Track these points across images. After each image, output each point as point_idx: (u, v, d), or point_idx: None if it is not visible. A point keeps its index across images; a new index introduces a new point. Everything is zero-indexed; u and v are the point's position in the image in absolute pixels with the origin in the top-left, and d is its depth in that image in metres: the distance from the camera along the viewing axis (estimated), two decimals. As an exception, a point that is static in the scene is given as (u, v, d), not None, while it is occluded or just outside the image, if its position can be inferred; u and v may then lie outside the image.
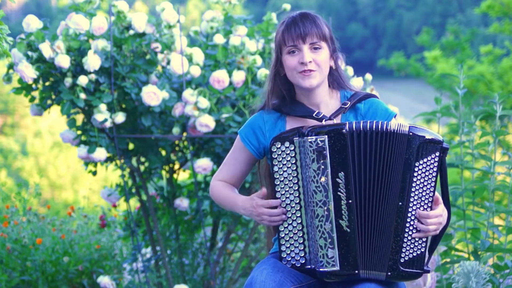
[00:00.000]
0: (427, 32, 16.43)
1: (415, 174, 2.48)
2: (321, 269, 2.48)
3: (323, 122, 2.59)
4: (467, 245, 3.72)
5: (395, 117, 2.65)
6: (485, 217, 3.75)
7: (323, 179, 2.47)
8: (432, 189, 2.49)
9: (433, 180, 2.49)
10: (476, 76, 4.05)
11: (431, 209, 2.50)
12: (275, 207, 2.52)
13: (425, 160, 2.48)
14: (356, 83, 4.37)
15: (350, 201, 2.47)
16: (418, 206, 2.49)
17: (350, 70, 4.40)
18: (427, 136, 2.49)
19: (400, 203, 2.48)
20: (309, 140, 2.47)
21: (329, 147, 2.46)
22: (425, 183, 2.49)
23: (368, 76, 4.56)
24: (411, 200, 2.48)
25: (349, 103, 2.65)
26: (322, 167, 2.46)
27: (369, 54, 38.59)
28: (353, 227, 2.47)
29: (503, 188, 3.71)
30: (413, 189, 2.48)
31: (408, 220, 2.49)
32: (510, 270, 3.57)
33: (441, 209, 2.51)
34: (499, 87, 12.24)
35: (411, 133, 2.48)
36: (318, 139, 2.47)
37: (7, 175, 18.59)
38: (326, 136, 2.47)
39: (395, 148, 2.48)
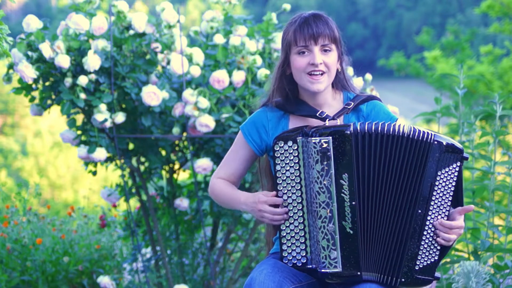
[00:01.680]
0: (427, 32, 16.41)
1: (437, 183, 2.48)
2: (323, 270, 2.48)
3: (327, 122, 2.59)
4: (467, 245, 3.72)
5: (396, 121, 2.63)
6: (485, 217, 3.75)
7: (326, 180, 2.47)
8: (450, 198, 2.50)
9: (452, 189, 2.50)
10: (476, 76, 4.05)
11: (447, 218, 2.50)
12: (278, 206, 2.52)
13: (446, 169, 2.48)
14: (356, 83, 4.37)
15: (354, 202, 2.46)
16: (436, 215, 2.49)
17: (350, 70, 4.40)
18: (450, 145, 2.48)
19: (420, 211, 2.48)
20: (313, 141, 2.46)
21: (333, 149, 2.46)
22: (445, 192, 2.49)
23: (368, 76, 4.56)
24: (431, 208, 2.49)
25: (353, 103, 2.65)
26: (326, 168, 2.46)
27: (369, 54, 38.60)
28: (356, 228, 2.47)
29: (503, 188, 3.70)
30: (433, 198, 2.48)
31: (426, 228, 2.49)
32: (510, 270, 3.57)
33: (462, 220, 2.52)
34: (499, 87, 12.23)
35: (435, 142, 2.47)
36: (322, 140, 2.46)
37: (7, 175, 18.58)
38: (330, 137, 2.46)
39: (407, 152, 2.47)
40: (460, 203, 2.54)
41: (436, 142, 2.47)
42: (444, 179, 2.49)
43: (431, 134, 2.48)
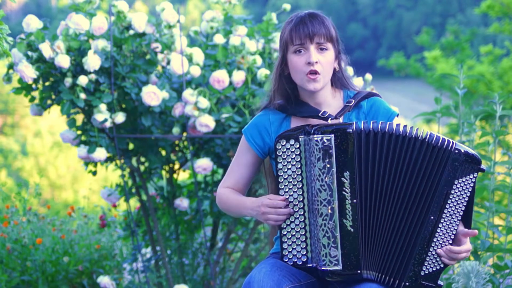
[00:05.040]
0: (427, 32, 16.41)
1: (453, 191, 2.48)
2: (323, 268, 2.48)
3: (329, 121, 2.59)
4: (467, 245, 3.71)
5: (397, 116, 2.65)
6: (485, 217, 3.75)
7: (328, 178, 2.47)
8: (463, 208, 2.50)
9: (466, 200, 2.49)
10: (476, 76, 4.05)
11: (457, 226, 2.51)
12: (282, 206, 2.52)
13: (463, 179, 2.48)
14: (356, 83, 4.37)
15: (355, 200, 2.46)
16: (448, 223, 2.49)
17: (350, 70, 4.40)
18: (470, 155, 2.48)
19: (432, 217, 2.48)
20: (315, 138, 2.46)
21: (335, 146, 2.46)
22: (459, 202, 2.49)
23: (368, 76, 4.56)
24: (443, 216, 2.48)
25: (353, 101, 2.65)
26: (328, 166, 2.46)
27: (369, 54, 38.59)
28: (357, 227, 2.47)
29: (503, 188, 3.70)
30: (447, 206, 2.48)
31: (436, 235, 2.49)
32: (510, 270, 3.57)
33: (469, 243, 2.53)
34: (499, 87, 12.23)
35: (456, 150, 2.47)
36: (324, 138, 2.46)
37: (7, 175, 18.58)
38: (333, 135, 2.46)
39: (421, 156, 2.46)
40: (469, 213, 2.53)
41: (456, 151, 2.47)
42: (460, 189, 2.48)
43: (452, 142, 2.48)
